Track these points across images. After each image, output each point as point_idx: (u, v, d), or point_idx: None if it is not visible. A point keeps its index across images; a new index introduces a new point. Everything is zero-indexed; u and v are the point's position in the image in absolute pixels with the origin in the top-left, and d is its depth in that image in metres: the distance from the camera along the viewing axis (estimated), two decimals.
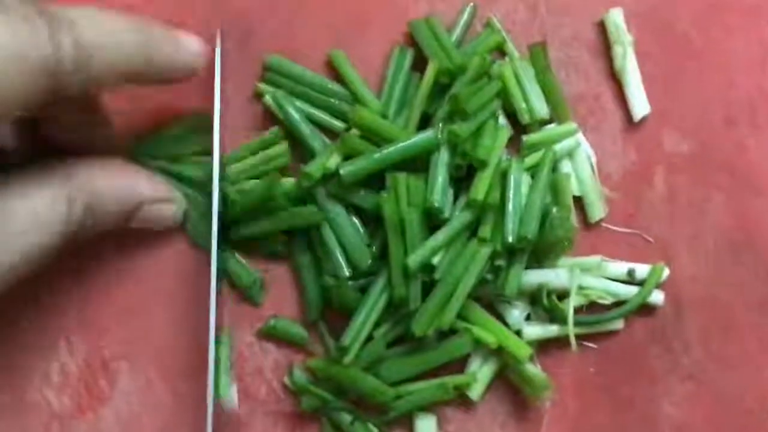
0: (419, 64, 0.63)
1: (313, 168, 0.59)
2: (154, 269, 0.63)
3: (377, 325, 0.60)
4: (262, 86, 0.64)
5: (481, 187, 0.58)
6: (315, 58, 0.65)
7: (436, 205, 0.58)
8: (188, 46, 0.56)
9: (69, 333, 0.63)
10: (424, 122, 0.62)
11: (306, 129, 0.62)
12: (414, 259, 0.57)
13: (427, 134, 0.59)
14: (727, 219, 0.65)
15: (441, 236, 0.58)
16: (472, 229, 0.60)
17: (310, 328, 0.63)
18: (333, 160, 0.59)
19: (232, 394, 0.62)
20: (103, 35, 0.50)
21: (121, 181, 0.57)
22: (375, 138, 0.60)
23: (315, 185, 0.60)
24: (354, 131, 0.60)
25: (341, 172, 0.58)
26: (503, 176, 0.60)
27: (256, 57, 0.65)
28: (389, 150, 0.59)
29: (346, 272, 0.60)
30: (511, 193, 0.59)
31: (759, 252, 0.65)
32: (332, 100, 0.64)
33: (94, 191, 0.55)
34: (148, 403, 0.62)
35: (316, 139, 0.62)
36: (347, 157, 0.59)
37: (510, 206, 0.59)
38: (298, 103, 0.63)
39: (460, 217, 0.59)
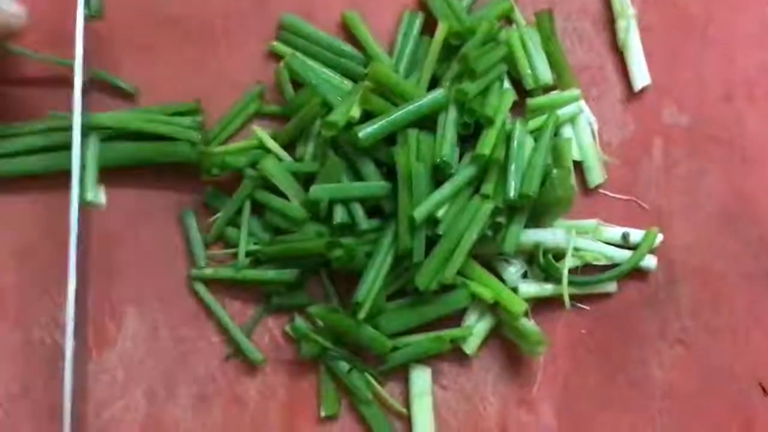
0: (429, 29, 0.65)
1: (337, 117, 0.60)
2: (168, 219, 0.65)
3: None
4: (277, 45, 0.66)
5: (487, 142, 0.60)
6: (329, 19, 0.67)
7: (445, 159, 0.60)
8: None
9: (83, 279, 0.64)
10: (432, 86, 0.63)
11: (321, 84, 0.64)
12: (420, 211, 0.59)
13: (437, 93, 0.61)
14: (722, 191, 0.67)
15: (446, 189, 0.60)
16: (476, 186, 0.61)
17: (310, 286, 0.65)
18: (355, 110, 0.60)
19: (99, 195, 0.63)
20: None
21: None
22: (388, 92, 0.61)
23: (339, 134, 0.61)
24: (368, 84, 0.61)
25: (359, 135, 0.59)
26: (507, 138, 0.61)
27: (272, 15, 0.67)
28: (402, 111, 0.60)
29: (365, 224, 0.61)
30: (514, 153, 0.61)
31: (752, 224, 0.66)
32: (344, 60, 0.66)
33: None
34: (152, 347, 0.63)
35: (330, 92, 0.63)
36: (366, 112, 0.61)
37: (513, 165, 0.60)
38: (311, 62, 0.65)
39: (465, 172, 0.60)
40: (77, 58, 0.62)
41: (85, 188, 0.62)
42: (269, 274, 0.63)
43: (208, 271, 0.63)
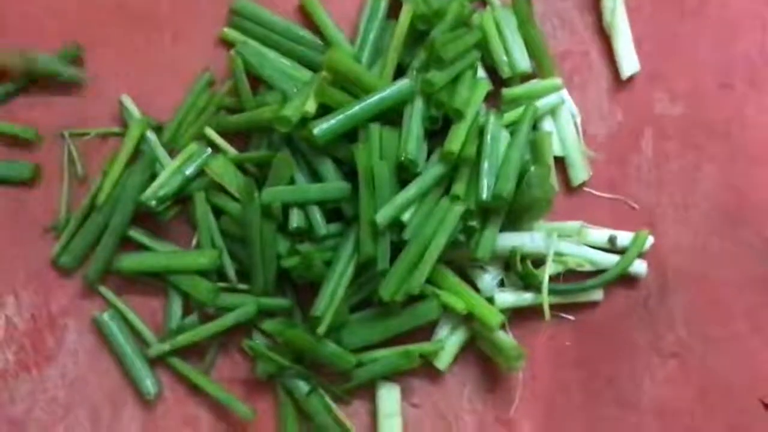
0: (396, 13, 0.61)
1: (290, 111, 0.57)
2: None
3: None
4: (229, 31, 0.63)
5: (456, 138, 0.57)
6: (286, 3, 0.64)
7: (410, 157, 0.56)
8: None
9: (17, 288, 0.61)
10: (398, 76, 0.60)
11: (277, 75, 0.60)
12: (383, 215, 0.56)
13: (401, 83, 0.58)
14: (720, 189, 0.64)
15: (412, 190, 0.57)
16: (444, 187, 0.58)
17: None
18: (310, 104, 0.57)
19: None
20: None
21: None
22: (347, 83, 0.58)
23: (293, 130, 0.57)
24: (326, 75, 0.58)
25: (315, 131, 0.56)
26: (480, 133, 0.58)
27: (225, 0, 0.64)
28: (363, 104, 0.57)
29: (323, 230, 0.58)
30: (487, 149, 0.58)
31: (753, 225, 0.63)
32: (302, 48, 0.62)
33: None
34: (95, 363, 0.61)
35: (287, 84, 0.60)
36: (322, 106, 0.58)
37: (486, 163, 0.57)
38: (265, 50, 0.62)
39: (432, 171, 0.57)
40: None
41: None
42: (229, 319, 0.59)
43: (166, 347, 0.59)
